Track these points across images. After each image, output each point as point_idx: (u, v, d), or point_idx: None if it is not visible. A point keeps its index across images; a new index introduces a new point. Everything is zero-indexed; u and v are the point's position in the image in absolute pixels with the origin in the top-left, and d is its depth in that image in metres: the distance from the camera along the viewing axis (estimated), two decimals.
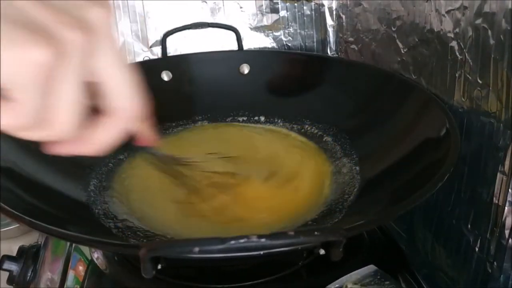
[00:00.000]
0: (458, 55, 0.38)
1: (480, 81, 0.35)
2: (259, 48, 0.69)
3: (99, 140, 0.25)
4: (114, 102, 0.24)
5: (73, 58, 0.20)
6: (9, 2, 0.19)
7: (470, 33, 0.36)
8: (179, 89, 0.60)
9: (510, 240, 0.33)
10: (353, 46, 0.62)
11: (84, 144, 0.25)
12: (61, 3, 0.21)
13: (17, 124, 0.21)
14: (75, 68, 0.21)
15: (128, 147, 0.29)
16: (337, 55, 0.69)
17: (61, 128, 0.22)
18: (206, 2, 0.66)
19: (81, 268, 0.43)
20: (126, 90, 0.24)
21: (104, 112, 0.24)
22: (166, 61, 0.63)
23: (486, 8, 0.34)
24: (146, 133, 0.30)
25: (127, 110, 0.24)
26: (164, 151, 0.37)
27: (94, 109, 0.24)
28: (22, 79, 0.19)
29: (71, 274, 0.43)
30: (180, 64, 0.61)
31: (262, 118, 0.59)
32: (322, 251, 0.26)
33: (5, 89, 0.20)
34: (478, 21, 0.35)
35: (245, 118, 0.59)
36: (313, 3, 0.68)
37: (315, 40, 0.69)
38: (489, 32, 0.34)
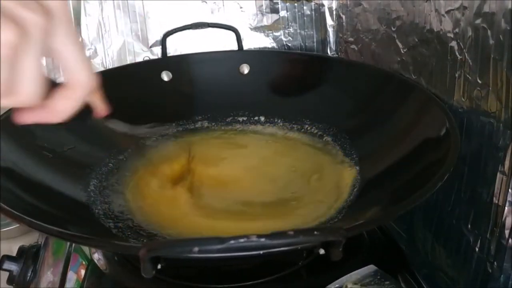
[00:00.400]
0: (458, 55, 0.38)
1: (480, 81, 0.35)
2: (259, 48, 0.69)
3: (59, 108, 0.28)
4: (70, 75, 0.28)
5: (34, 38, 0.24)
6: None
7: (470, 33, 0.36)
8: (179, 89, 0.60)
9: (510, 240, 0.33)
10: (353, 46, 0.62)
11: (47, 112, 0.28)
12: None
13: None
14: (36, 47, 0.24)
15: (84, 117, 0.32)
16: (337, 55, 0.69)
17: (25, 96, 0.25)
18: (206, 2, 0.66)
19: (81, 268, 0.43)
20: (80, 66, 0.28)
21: (63, 84, 0.28)
22: (166, 61, 0.63)
23: (486, 8, 0.34)
24: (98, 104, 0.33)
25: (81, 83, 0.28)
26: None
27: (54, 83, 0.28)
28: None
29: (71, 274, 0.43)
30: (180, 64, 0.61)
31: (262, 118, 0.59)
32: (322, 251, 0.26)
33: None
34: (478, 21, 0.35)
35: (245, 118, 0.59)
36: (313, 3, 0.68)
37: (315, 40, 0.69)
38: (489, 32, 0.34)
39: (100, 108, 0.34)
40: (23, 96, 0.25)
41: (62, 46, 0.26)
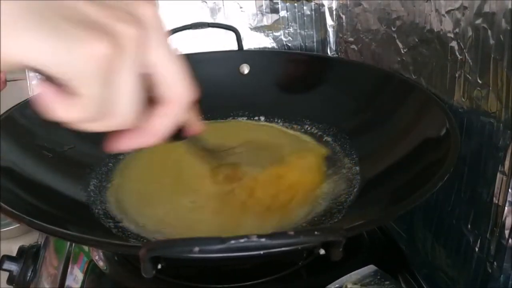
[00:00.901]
0: (458, 55, 0.38)
1: (480, 81, 0.35)
2: (259, 48, 0.69)
3: (156, 129, 0.26)
4: (168, 92, 0.25)
5: (129, 51, 0.22)
6: (61, 2, 0.20)
7: (470, 33, 0.36)
8: None
9: (510, 240, 0.33)
10: (353, 46, 0.62)
11: (144, 135, 0.26)
12: (111, 2, 0.22)
13: (82, 117, 0.22)
14: (132, 61, 0.22)
15: (177, 137, 0.29)
16: (337, 55, 0.69)
17: (121, 117, 0.23)
18: (206, 2, 0.66)
19: (81, 268, 0.43)
20: (178, 80, 0.25)
21: (159, 102, 0.25)
22: None
23: (486, 8, 0.34)
24: (194, 122, 0.31)
25: (180, 98, 0.25)
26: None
27: (150, 100, 0.25)
28: (85, 73, 0.21)
29: (71, 274, 0.43)
30: None
31: (262, 118, 0.59)
32: (322, 251, 0.26)
33: (70, 85, 0.21)
34: (478, 21, 0.35)
35: (245, 118, 0.59)
36: (313, 3, 0.68)
37: (315, 40, 0.69)
38: (489, 32, 0.34)
39: (196, 125, 0.31)
40: (119, 118, 0.23)
41: (157, 59, 0.24)
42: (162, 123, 0.26)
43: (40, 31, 0.20)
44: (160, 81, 0.25)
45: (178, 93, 0.25)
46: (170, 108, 0.25)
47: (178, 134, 0.28)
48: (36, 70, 0.21)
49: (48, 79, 0.22)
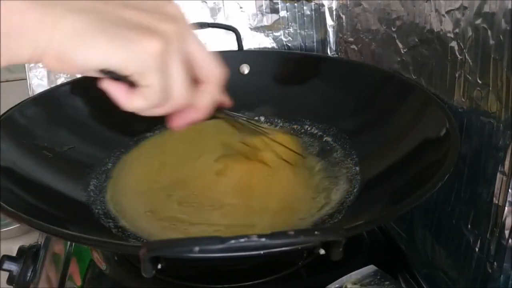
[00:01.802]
0: (458, 55, 0.38)
1: (480, 81, 0.35)
2: (259, 48, 0.69)
3: (203, 104, 0.31)
4: (206, 73, 0.31)
5: (175, 44, 0.27)
6: (109, 11, 0.25)
7: (470, 33, 0.36)
8: None
9: (510, 240, 0.33)
10: (353, 46, 0.62)
11: (195, 111, 0.31)
12: (143, 5, 0.26)
13: (148, 104, 0.28)
14: (178, 51, 0.27)
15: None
16: (337, 55, 0.69)
17: (180, 99, 0.28)
18: (206, 2, 0.66)
19: (81, 268, 0.43)
20: (212, 63, 0.31)
21: (201, 81, 0.31)
22: None
23: (486, 8, 0.34)
24: (223, 97, 0.35)
25: (216, 76, 0.31)
26: None
27: (193, 81, 0.30)
28: (145, 67, 0.26)
29: (71, 274, 0.43)
30: None
31: (262, 118, 0.59)
32: (322, 251, 0.26)
33: (135, 79, 0.26)
34: (478, 21, 0.35)
35: (245, 119, 0.59)
36: (313, 3, 0.68)
37: (315, 40, 0.69)
38: (489, 32, 0.34)
39: (226, 100, 0.36)
40: (177, 100, 0.28)
41: (193, 47, 0.29)
42: (206, 99, 0.31)
43: (104, 38, 0.24)
44: (200, 64, 0.30)
45: (214, 72, 0.31)
46: (210, 85, 0.31)
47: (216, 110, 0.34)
48: (105, 72, 0.26)
49: (115, 78, 0.27)
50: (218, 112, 0.35)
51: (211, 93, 0.32)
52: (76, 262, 0.44)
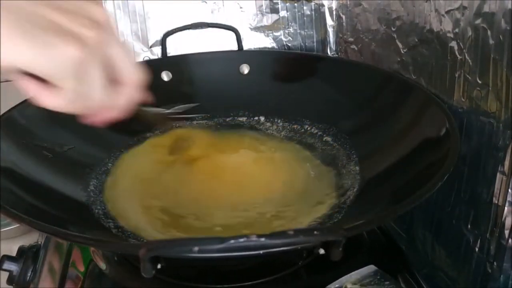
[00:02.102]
0: (458, 55, 0.38)
1: (479, 81, 0.35)
2: (259, 48, 0.69)
3: (121, 104, 0.32)
4: (125, 76, 0.31)
5: (93, 50, 0.27)
6: (31, 11, 0.25)
7: (470, 33, 0.36)
8: (179, 89, 0.59)
9: (510, 240, 0.33)
10: (353, 46, 0.62)
11: (112, 110, 0.32)
12: (69, 7, 0.27)
13: (64, 104, 0.28)
14: (96, 57, 0.27)
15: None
16: (337, 55, 0.69)
17: (95, 100, 0.29)
18: (206, 2, 0.66)
19: (81, 268, 0.43)
20: (131, 67, 0.31)
21: (120, 84, 0.31)
22: (166, 61, 0.63)
23: (486, 8, 0.34)
24: (144, 94, 0.36)
25: (135, 79, 0.32)
26: None
27: (113, 81, 0.31)
28: (62, 71, 0.26)
29: (71, 274, 0.43)
30: (180, 64, 0.61)
31: (262, 118, 0.59)
32: (322, 251, 0.26)
33: (51, 81, 0.27)
34: (478, 21, 0.35)
35: (245, 118, 0.59)
36: (313, 3, 0.68)
37: (315, 40, 0.69)
38: (489, 32, 0.34)
39: (147, 98, 0.37)
40: (93, 102, 0.29)
41: (114, 52, 0.29)
42: (124, 100, 0.32)
43: (22, 40, 0.24)
44: (119, 69, 0.30)
45: (133, 76, 0.32)
46: (129, 87, 0.32)
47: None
48: (23, 71, 0.26)
49: (34, 76, 0.26)
50: (137, 110, 0.36)
51: (129, 94, 0.32)
52: (76, 262, 0.44)
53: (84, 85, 0.28)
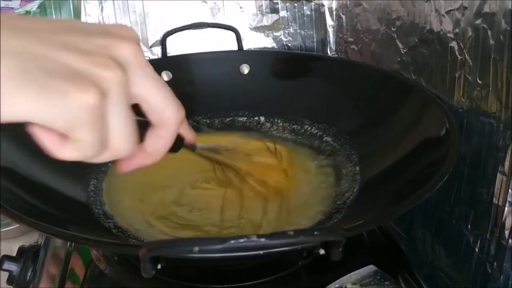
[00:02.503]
0: (458, 55, 0.38)
1: (480, 81, 0.35)
2: (259, 48, 0.69)
3: (155, 149, 0.28)
4: (158, 117, 0.27)
5: (114, 93, 0.23)
6: (43, 56, 0.21)
7: (470, 33, 0.36)
8: (179, 89, 0.58)
9: (510, 240, 0.33)
10: (353, 46, 0.62)
11: (145, 156, 0.28)
12: (89, 46, 0.23)
13: (81, 156, 0.24)
14: (118, 101, 0.23)
15: (174, 149, 0.31)
16: (337, 55, 0.69)
17: (121, 149, 0.25)
18: (206, 2, 0.66)
19: (81, 268, 0.43)
20: (166, 106, 0.27)
21: (153, 124, 0.28)
22: (166, 61, 0.63)
23: (486, 9, 0.34)
24: (187, 132, 0.33)
25: (169, 121, 0.27)
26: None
27: (148, 123, 0.27)
28: (77, 122, 0.22)
29: (71, 274, 0.43)
30: (180, 64, 0.61)
31: (262, 118, 0.59)
32: (322, 251, 0.26)
33: (66, 133, 0.23)
34: (478, 21, 0.35)
35: (245, 118, 0.59)
36: (313, 3, 0.68)
37: (315, 40, 0.69)
38: (489, 32, 0.34)
39: (190, 135, 0.33)
40: (118, 150, 0.25)
41: (143, 91, 0.26)
42: (157, 144, 0.28)
43: (30, 92, 0.21)
44: (150, 109, 0.27)
45: (167, 117, 0.27)
46: (162, 130, 0.28)
47: (175, 146, 0.30)
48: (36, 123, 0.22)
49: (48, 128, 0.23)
50: (179, 149, 0.32)
51: (164, 138, 0.28)
52: (76, 262, 0.44)
53: (104, 133, 0.24)
